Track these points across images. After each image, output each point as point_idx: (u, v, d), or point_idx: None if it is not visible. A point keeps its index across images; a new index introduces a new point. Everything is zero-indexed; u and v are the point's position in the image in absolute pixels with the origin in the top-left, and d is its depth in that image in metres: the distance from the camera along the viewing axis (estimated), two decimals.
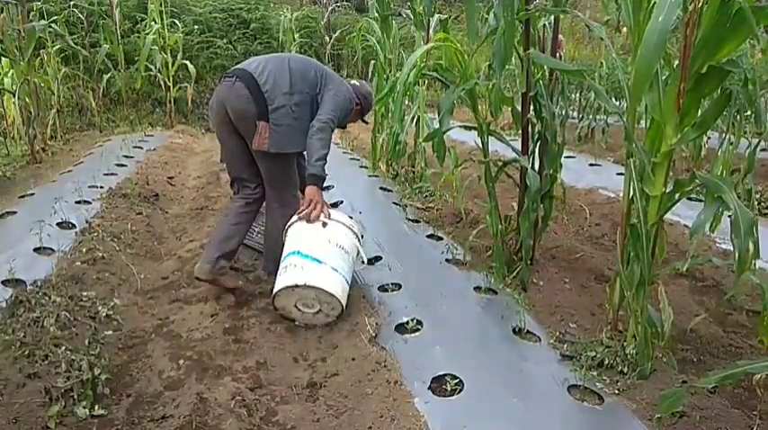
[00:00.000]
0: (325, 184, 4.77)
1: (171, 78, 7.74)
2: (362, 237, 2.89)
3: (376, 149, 5.04)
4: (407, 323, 2.40)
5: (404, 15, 5.13)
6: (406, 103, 4.63)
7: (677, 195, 2.00)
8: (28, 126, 5.39)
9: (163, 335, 2.47)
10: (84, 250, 3.01)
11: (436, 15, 4.40)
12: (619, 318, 2.27)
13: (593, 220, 3.80)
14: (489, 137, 2.77)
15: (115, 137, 6.58)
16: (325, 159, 2.66)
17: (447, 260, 2.99)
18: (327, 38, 9.05)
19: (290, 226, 2.65)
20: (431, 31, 4.36)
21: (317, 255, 2.46)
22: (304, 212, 2.59)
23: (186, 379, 2.16)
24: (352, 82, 3.10)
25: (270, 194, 2.90)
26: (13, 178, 4.76)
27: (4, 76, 6.00)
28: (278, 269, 2.57)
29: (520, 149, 2.75)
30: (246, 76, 2.70)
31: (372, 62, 5.70)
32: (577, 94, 7.10)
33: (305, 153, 2.83)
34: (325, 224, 2.57)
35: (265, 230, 3.02)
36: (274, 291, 2.48)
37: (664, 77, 1.95)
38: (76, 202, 3.76)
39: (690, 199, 3.09)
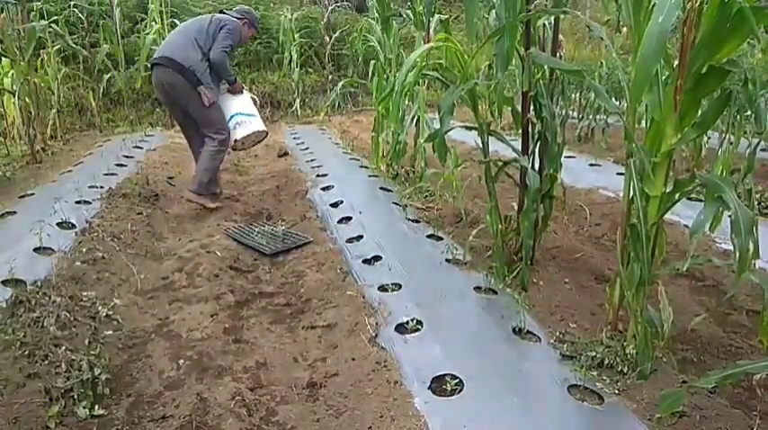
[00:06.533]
0: (325, 184, 4.76)
1: None
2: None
3: (376, 149, 5.04)
4: (407, 323, 2.40)
5: (404, 16, 5.12)
6: (407, 103, 4.63)
7: (677, 195, 2.00)
8: (28, 126, 5.40)
9: (163, 336, 2.47)
10: (84, 250, 3.01)
11: (436, 15, 4.40)
12: (619, 318, 2.27)
13: (593, 220, 3.80)
14: (489, 137, 2.77)
15: (115, 137, 6.59)
16: (231, 74, 4.14)
17: (447, 260, 2.99)
18: (327, 38, 9.04)
19: (222, 97, 4.18)
20: (431, 31, 4.36)
21: (250, 112, 4.31)
22: (237, 90, 4.29)
23: (186, 379, 2.16)
24: (230, 13, 4.23)
25: (206, 133, 4.12)
26: (13, 178, 4.77)
27: (4, 76, 5.99)
28: (204, 193, 4.10)
29: (520, 149, 2.75)
30: (167, 61, 3.91)
31: (373, 62, 5.71)
32: (577, 94, 7.09)
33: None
34: (243, 94, 4.37)
35: (201, 159, 4.11)
36: (239, 138, 4.21)
37: (664, 77, 1.96)
38: (76, 202, 3.77)
39: (690, 199, 3.09)
